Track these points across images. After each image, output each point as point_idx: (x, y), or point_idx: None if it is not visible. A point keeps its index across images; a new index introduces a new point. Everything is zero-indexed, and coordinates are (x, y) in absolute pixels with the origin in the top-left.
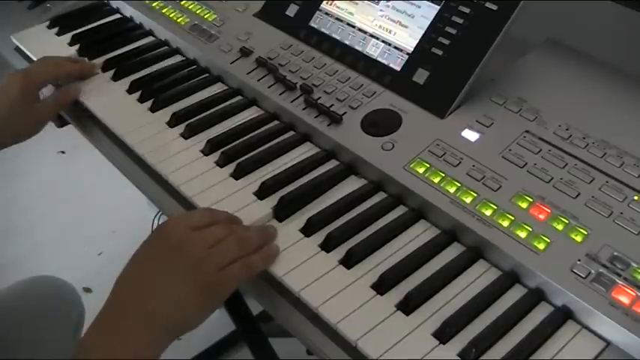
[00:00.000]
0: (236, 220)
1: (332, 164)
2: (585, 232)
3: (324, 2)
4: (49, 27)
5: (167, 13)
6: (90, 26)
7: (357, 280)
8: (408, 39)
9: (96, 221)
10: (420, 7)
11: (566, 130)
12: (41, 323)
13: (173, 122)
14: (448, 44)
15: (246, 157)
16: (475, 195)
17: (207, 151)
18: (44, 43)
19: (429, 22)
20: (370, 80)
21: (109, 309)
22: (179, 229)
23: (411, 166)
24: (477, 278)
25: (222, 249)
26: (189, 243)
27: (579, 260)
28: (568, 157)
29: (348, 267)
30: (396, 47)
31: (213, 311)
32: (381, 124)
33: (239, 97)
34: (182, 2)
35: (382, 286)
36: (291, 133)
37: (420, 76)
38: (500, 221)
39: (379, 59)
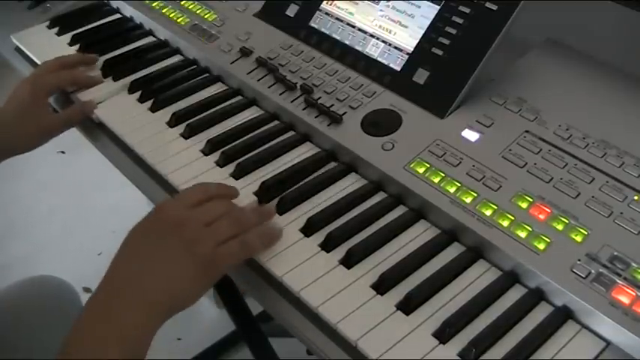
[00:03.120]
0: (229, 190)
1: (332, 164)
2: (585, 232)
3: (324, 2)
4: (49, 27)
5: (167, 13)
6: (90, 26)
7: (357, 280)
8: (408, 39)
9: (96, 221)
10: (420, 7)
11: (566, 130)
12: (41, 323)
13: (173, 122)
14: (448, 44)
15: (246, 157)
16: (475, 195)
17: (207, 151)
18: (44, 43)
19: (429, 22)
20: (370, 80)
21: (104, 287)
22: (175, 208)
23: (411, 166)
24: (477, 278)
25: (218, 226)
26: (186, 221)
27: (579, 260)
28: (568, 157)
29: (348, 267)
30: (396, 47)
31: (208, 289)
32: (381, 124)
33: (239, 97)
34: (182, 2)
35: (382, 286)
36: (291, 133)
37: (420, 76)
38: (500, 221)
39: (379, 59)
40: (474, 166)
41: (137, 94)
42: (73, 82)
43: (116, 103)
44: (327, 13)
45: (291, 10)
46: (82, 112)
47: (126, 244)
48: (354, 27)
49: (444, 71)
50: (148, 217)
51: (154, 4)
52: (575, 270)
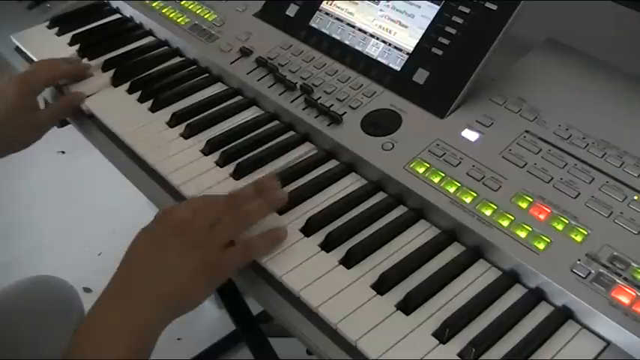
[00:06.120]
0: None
1: (332, 164)
2: (585, 232)
3: (324, 2)
4: (49, 27)
5: (167, 13)
6: (90, 26)
7: (357, 280)
8: (408, 39)
9: (96, 221)
10: (420, 7)
11: (566, 130)
12: (41, 323)
13: (173, 122)
14: (448, 44)
15: (246, 157)
16: (475, 195)
17: (207, 151)
18: (44, 43)
19: (429, 22)
20: (370, 80)
21: (113, 287)
22: (180, 211)
23: (411, 166)
24: (477, 278)
25: (221, 227)
26: (190, 224)
27: (579, 260)
28: (568, 157)
29: (348, 267)
30: (396, 47)
31: (212, 291)
32: (381, 124)
33: (239, 97)
34: (182, 2)
35: (382, 286)
36: (291, 133)
37: (420, 76)
38: (500, 221)
39: (379, 59)
40: (473, 166)
41: (137, 94)
42: (63, 76)
43: (116, 103)
44: (327, 13)
45: (291, 10)
46: (71, 103)
47: (133, 246)
48: (354, 27)
49: (444, 71)
50: (154, 220)
51: (154, 4)
52: (575, 270)
